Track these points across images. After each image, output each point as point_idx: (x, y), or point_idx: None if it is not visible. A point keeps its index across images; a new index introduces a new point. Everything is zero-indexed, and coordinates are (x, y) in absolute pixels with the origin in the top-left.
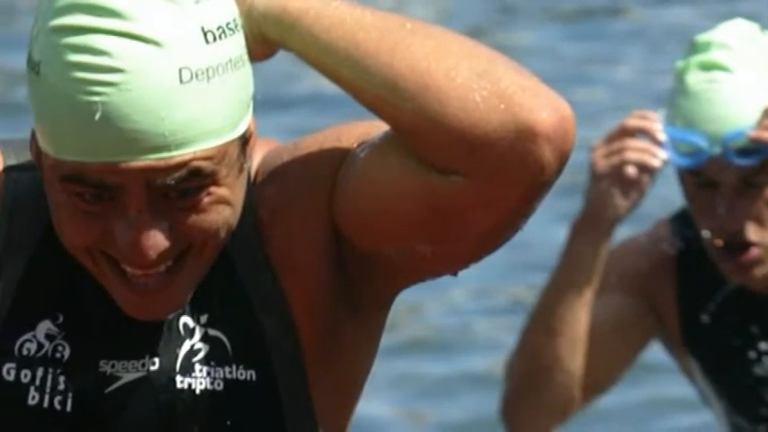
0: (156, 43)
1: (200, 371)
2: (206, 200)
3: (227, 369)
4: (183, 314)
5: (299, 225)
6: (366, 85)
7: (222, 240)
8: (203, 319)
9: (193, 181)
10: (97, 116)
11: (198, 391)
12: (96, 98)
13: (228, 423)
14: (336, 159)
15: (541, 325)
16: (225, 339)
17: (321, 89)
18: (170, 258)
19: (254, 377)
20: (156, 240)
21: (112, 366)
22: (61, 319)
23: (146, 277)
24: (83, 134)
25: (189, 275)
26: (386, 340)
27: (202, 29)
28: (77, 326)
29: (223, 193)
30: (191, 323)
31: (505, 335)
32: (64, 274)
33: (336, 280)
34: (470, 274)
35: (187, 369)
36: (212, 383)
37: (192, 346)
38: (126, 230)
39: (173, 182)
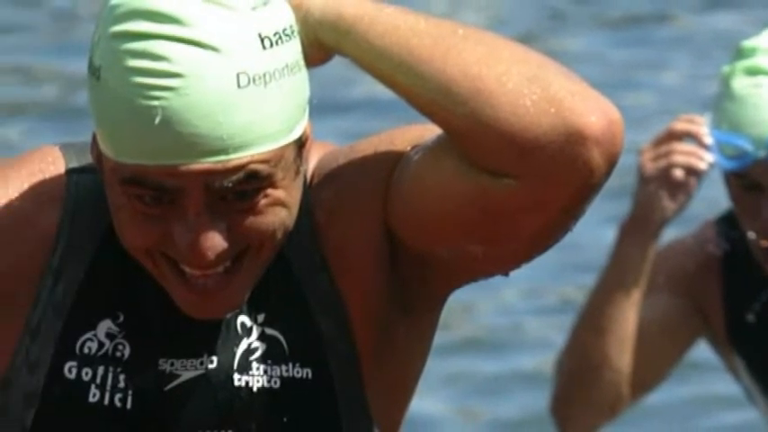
0: (213, 49)
1: (258, 369)
2: (263, 202)
3: (283, 367)
4: (240, 313)
5: (355, 227)
6: (419, 90)
7: (279, 241)
8: (260, 318)
9: (251, 183)
10: (157, 120)
11: (255, 389)
12: (156, 102)
13: (285, 420)
14: (391, 162)
15: (591, 324)
16: (282, 338)
17: (376, 94)
18: (228, 259)
19: (310, 375)
20: (215, 242)
21: (171, 365)
22: (121, 318)
23: (204, 278)
24: (143, 138)
25: (246, 276)
26: (439, 339)
27: (259, 35)
28: (137, 325)
29: (279, 195)
30: (248, 322)
31: (555, 334)
32: (124, 275)
33: (390, 281)
34: (521, 274)
35: (244, 367)
36: (269, 381)
37: (250, 344)
38: (185, 232)
39: (230, 184)
